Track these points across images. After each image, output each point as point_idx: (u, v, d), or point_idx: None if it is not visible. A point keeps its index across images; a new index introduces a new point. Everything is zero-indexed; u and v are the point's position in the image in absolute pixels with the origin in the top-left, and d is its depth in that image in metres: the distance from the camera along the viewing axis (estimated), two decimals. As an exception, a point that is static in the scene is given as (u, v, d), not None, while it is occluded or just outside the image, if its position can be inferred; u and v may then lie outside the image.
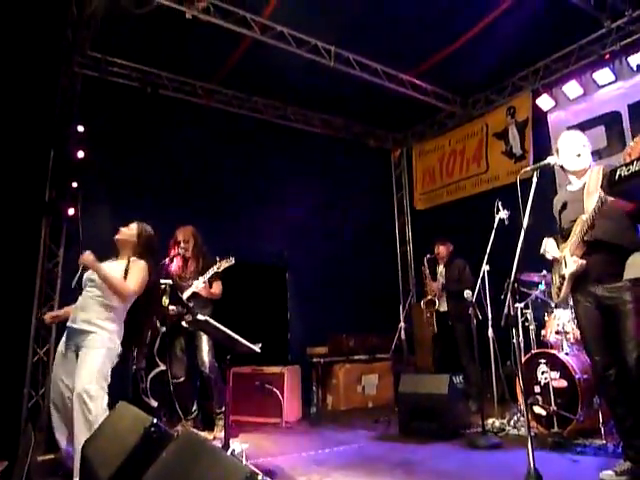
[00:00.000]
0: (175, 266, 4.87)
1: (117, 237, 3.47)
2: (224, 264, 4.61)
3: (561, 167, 3.09)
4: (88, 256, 3.17)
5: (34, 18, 4.82)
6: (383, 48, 5.99)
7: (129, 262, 3.31)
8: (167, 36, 5.45)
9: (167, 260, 4.75)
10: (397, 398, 4.76)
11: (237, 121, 6.84)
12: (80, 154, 5.37)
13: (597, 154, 5.35)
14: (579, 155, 3.01)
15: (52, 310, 5.22)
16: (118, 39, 5.56)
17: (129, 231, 3.47)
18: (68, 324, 3.24)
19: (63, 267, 5.41)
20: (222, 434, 3.86)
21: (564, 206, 3.10)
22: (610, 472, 2.82)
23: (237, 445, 3.10)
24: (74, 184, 5.32)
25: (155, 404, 4.55)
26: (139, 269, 3.30)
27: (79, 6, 4.96)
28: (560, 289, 3.03)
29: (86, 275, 3.32)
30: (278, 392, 5.21)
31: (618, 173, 1.94)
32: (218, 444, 3.39)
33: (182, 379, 4.70)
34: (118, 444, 1.98)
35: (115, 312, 3.23)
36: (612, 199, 2.62)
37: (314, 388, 5.77)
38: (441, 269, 5.95)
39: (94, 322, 3.15)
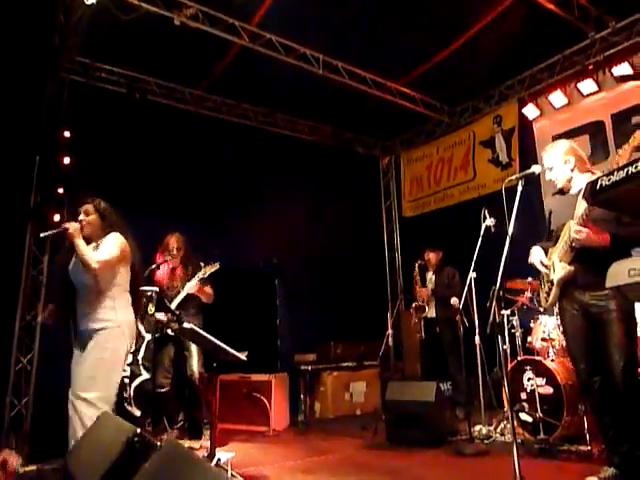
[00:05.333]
0: (162, 273, 4.83)
1: (85, 233, 3.16)
2: (209, 269, 4.59)
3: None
4: (75, 228, 3.06)
5: (20, 23, 4.79)
6: (371, 56, 6.03)
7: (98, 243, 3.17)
8: (155, 42, 5.44)
9: (154, 266, 4.71)
10: (384, 405, 4.75)
11: (226, 127, 6.84)
12: (66, 160, 5.34)
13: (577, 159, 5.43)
14: (557, 178, 3.08)
15: (36, 318, 5.18)
16: (106, 45, 5.55)
17: (88, 216, 3.23)
18: (76, 329, 3.12)
19: (48, 274, 5.35)
20: (209, 443, 3.83)
21: (555, 209, 3.14)
22: (595, 478, 2.83)
23: (223, 454, 3.07)
24: (60, 190, 5.27)
25: (138, 413, 4.50)
26: (109, 241, 3.13)
27: (66, 12, 4.94)
28: (549, 294, 3.05)
29: (72, 268, 3.19)
30: (265, 400, 5.18)
31: (599, 183, 1.95)
32: (205, 453, 3.36)
33: (167, 389, 4.65)
34: (100, 455, 1.95)
35: (116, 299, 3.10)
36: (587, 234, 2.73)
37: (302, 396, 5.74)
38: (430, 276, 5.98)
39: (99, 318, 3.02)
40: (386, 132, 8.21)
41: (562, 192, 3.13)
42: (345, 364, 6.41)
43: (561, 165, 3.06)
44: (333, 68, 6.05)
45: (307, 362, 6.18)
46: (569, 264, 2.90)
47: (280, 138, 7.33)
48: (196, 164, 6.40)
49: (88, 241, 3.16)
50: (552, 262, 3.00)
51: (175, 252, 4.75)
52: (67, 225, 3.10)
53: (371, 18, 5.32)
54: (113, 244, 3.12)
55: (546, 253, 3.11)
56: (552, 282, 2.99)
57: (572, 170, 3.04)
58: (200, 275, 4.57)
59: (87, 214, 3.23)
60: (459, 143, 7.49)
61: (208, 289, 4.72)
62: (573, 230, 2.79)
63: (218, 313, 4.99)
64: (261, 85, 6.46)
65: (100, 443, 2.10)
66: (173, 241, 4.78)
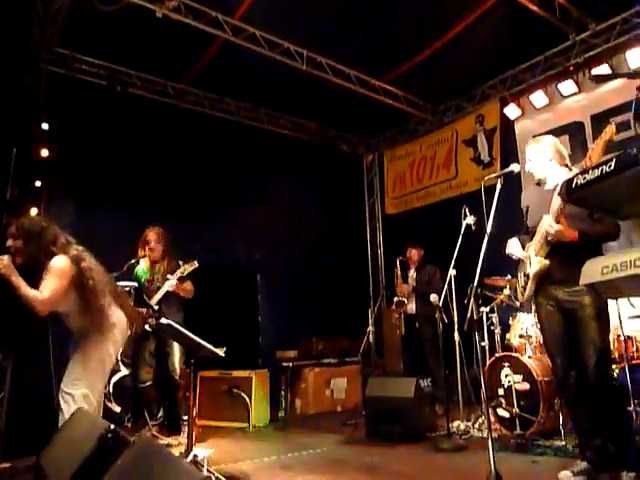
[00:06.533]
0: (143, 268, 4.78)
1: (21, 261, 2.92)
2: (188, 267, 4.54)
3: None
4: (7, 263, 2.80)
5: (-2, 12, 4.69)
6: (356, 54, 6.03)
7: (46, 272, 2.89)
8: (137, 34, 5.37)
9: (133, 261, 4.66)
10: (364, 401, 4.76)
11: (208, 122, 6.78)
12: (44, 152, 5.25)
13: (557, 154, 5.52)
14: (530, 160, 3.13)
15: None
16: (87, 36, 5.46)
17: (15, 241, 2.96)
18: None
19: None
20: (187, 439, 3.80)
21: (532, 204, 3.18)
22: (568, 472, 2.88)
23: (200, 450, 3.06)
24: (37, 183, 5.19)
25: (118, 409, 4.46)
26: (51, 272, 2.87)
27: (45, 1, 4.84)
28: (525, 288, 3.09)
29: None
30: (246, 396, 5.17)
31: (575, 181, 1.97)
32: (183, 449, 3.34)
33: (149, 383, 4.61)
34: (74, 451, 1.93)
35: (92, 327, 3.03)
36: (557, 230, 2.78)
37: (283, 392, 5.73)
38: (412, 273, 6.01)
39: (83, 331, 3.05)
40: (370, 130, 8.23)
41: (539, 184, 3.18)
42: (326, 360, 6.42)
43: (539, 157, 3.10)
44: (317, 64, 6.04)
45: (288, 358, 6.19)
46: (545, 258, 2.94)
47: (264, 134, 7.29)
48: (178, 158, 6.35)
49: (32, 268, 2.92)
50: (528, 256, 3.05)
51: (153, 245, 4.69)
52: (4, 269, 2.79)
53: (355, 15, 5.32)
54: (53, 276, 2.87)
55: (523, 247, 3.16)
56: (528, 276, 3.03)
57: (550, 160, 3.09)
58: (179, 273, 4.52)
59: (14, 238, 2.97)
60: (442, 141, 7.54)
61: (188, 285, 4.65)
62: (546, 224, 2.84)
63: (200, 309, 4.96)
64: (245, 80, 6.42)
65: (73, 439, 2.07)
66: (153, 235, 4.72)
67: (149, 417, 4.61)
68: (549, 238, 2.87)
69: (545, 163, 3.08)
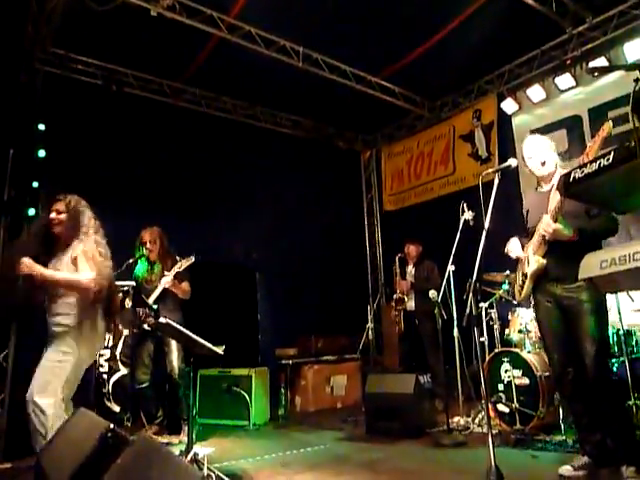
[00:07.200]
0: (141, 268, 4.77)
1: (56, 231, 3.08)
2: (185, 263, 4.54)
3: (529, 171, 3.16)
4: (30, 264, 2.87)
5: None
6: (352, 50, 6.01)
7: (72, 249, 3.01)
8: (133, 33, 5.34)
9: (131, 261, 4.65)
10: (364, 398, 4.77)
11: (205, 121, 6.76)
12: (41, 153, 5.23)
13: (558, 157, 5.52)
14: (543, 163, 3.07)
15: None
16: (82, 36, 5.44)
17: (60, 215, 3.09)
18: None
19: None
20: (187, 438, 3.79)
21: (532, 207, 3.18)
22: (568, 467, 2.89)
23: (199, 449, 3.06)
24: (35, 183, 5.17)
25: (117, 409, 4.46)
26: (86, 256, 2.98)
27: (40, 1, 4.82)
28: (522, 287, 3.10)
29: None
30: (246, 394, 5.17)
31: (573, 175, 1.97)
32: (183, 448, 3.34)
33: (146, 385, 4.60)
34: (73, 450, 1.92)
35: (78, 300, 2.98)
36: (555, 229, 2.78)
37: (283, 390, 5.74)
38: (410, 269, 6.02)
39: (60, 322, 2.97)
40: (367, 126, 8.22)
41: (539, 184, 3.17)
42: (326, 358, 6.43)
43: (552, 152, 3.09)
44: (313, 61, 6.02)
45: (288, 356, 6.19)
46: (542, 257, 2.94)
47: (261, 132, 7.28)
48: (175, 157, 6.33)
49: (58, 239, 3.05)
50: (527, 256, 3.05)
51: (150, 246, 4.68)
52: (22, 269, 2.87)
53: (351, 11, 5.29)
54: (88, 260, 2.98)
55: (522, 248, 3.15)
56: (525, 275, 3.03)
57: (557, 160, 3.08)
58: (176, 269, 4.51)
59: (58, 212, 3.10)
60: (439, 137, 7.53)
61: (185, 285, 4.65)
62: (543, 223, 2.84)
63: (199, 308, 4.95)
64: (241, 78, 6.40)
65: (73, 439, 2.06)
66: (149, 234, 4.71)
67: (147, 419, 4.60)
68: (546, 237, 2.87)
69: (555, 159, 3.08)
